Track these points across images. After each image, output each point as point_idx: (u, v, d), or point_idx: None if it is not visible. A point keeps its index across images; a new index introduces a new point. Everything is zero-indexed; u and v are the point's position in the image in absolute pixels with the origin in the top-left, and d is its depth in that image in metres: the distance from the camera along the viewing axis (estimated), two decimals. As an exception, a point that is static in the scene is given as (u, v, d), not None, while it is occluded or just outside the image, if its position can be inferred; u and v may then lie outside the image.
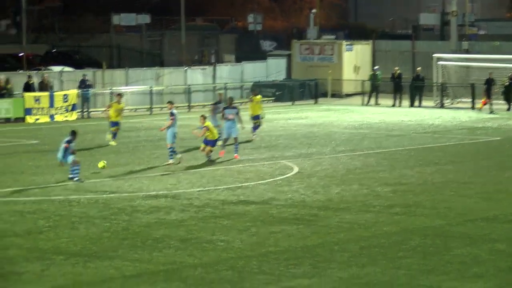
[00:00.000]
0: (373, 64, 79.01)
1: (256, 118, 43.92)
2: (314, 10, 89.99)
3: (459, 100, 71.65)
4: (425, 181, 33.26)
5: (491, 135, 51.59)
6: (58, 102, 59.65)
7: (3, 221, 24.63)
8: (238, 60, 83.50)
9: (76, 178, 30.75)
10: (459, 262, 21.09)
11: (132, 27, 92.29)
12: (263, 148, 38.85)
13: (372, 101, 70.45)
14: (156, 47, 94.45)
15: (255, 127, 45.07)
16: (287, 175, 35.14)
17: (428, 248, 22.29)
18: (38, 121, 57.45)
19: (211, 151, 34.90)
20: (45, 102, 58.86)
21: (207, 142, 34.77)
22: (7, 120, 56.62)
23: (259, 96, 44.89)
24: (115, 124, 41.06)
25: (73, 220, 25.76)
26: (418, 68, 73.23)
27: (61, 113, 59.64)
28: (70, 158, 30.86)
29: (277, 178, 34.06)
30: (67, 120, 58.52)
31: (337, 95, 77.10)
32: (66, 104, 60.33)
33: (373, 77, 71.90)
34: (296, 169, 36.56)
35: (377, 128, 54.72)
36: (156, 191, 31.21)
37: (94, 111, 63.24)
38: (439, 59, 73.90)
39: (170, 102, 38.98)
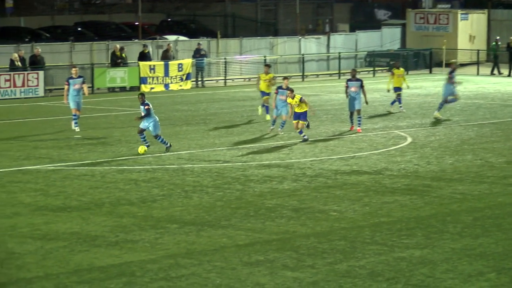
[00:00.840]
0: (489, 34, 78.06)
1: (397, 90, 43.28)
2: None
3: None
4: (542, 151, 32.75)
5: None
6: (173, 71, 60.17)
7: (118, 189, 25.14)
8: (352, 29, 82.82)
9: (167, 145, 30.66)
10: None
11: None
12: (377, 117, 38.66)
13: (496, 71, 69.67)
14: (271, 16, 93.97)
15: (396, 100, 44.26)
16: (400, 145, 34.97)
17: (544, 219, 22.00)
18: (153, 90, 57.75)
19: (305, 125, 33.94)
20: (160, 71, 59.38)
21: (298, 117, 33.54)
22: (122, 89, 57.26)
23: (401, 69, 44.25)
24: (266, 94, 39.76)
25: (186, 189, 26.15)
26: (535, 38, 72.83)
27: (175, 82, 60.21)
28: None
29: (390, 148, 33.92)
30: (182, 89, 59.16)
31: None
32: (181, 73, 60.71)
33: (496, 47, 70.97)
34: (409, 139, 36.28)
35: (492, 98, 54.22)
36: (269, 161, 31.35)
37: (208, 80, 63.85)
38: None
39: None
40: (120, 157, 31.09)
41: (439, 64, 73.74)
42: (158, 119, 30.37)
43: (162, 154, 30.81)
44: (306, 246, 18.98)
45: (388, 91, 45.93)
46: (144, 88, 57.87)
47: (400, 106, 43.66)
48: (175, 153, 32.71)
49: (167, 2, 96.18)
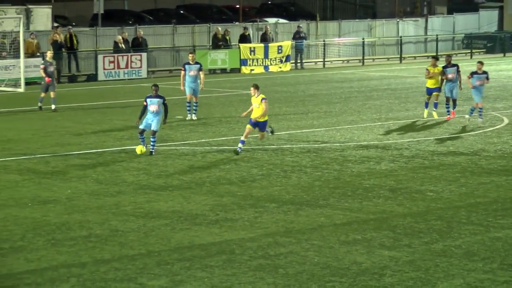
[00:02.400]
0: None
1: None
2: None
3: None
4: None
5: None
6: (273, 53, 60.32)
7: (219, 169, 25.60)
8: (450, 12, 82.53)
9: None
10: None
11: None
12: (473, 99, 37.93)
13: None
14: None
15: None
16: (497, 127, 34.72)
17: None
18: (253, 72, 58.27)
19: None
20: (260, 53, 59.71)
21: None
22: (223, 71, 57.91)
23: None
24: (435, 90, 34.14)
25: (285, 169, 26.35)
26: None
27: (275, 64, 60.38)
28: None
29: (487, 130, 33.71)
30: (281, 71, 59.57)
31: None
32: (280, 55, 60.88)
33: None
34: (506, 121, 36.00)
35: None
36: (366, 142, 31.34)
37: (307, 62, 64.03)
38: None
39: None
40: (220, 137, 31.52)
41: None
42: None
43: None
44: (403, 225, 19.10)
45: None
46: (245, 70, 58.71)
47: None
48: (275, 133, 32.34)
49: None
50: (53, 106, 39.01)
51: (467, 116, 34.58)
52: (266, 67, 58.41)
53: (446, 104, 34.17)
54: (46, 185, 24.10)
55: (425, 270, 16.06)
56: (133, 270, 15.94)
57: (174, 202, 21.78)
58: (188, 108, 34.40)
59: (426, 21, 74.96)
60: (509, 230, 19.35)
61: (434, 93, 33.29)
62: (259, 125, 26.70)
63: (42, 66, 40.25)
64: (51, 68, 40.23)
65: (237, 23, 66.76)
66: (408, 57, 68.49)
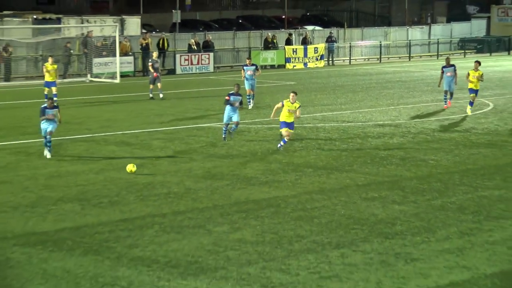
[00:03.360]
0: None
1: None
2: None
3: None
4: None
5: None
6: (310, 53, 60.30)
7: (268, 142, 25.44)
8: (448, 21, 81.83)
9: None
10: None
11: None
12: (465, 89, 37.32)
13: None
14: (385, 11, 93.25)
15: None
16: (484, 110, 34.30)
17: None
18: (295, 68, 58.34)
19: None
20: (300, 53, 59.71)
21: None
22: (272, 67, 57.81)
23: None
24: (474, 92, 31.25)
25: (319, 142, 26.25)
26: None
27: (312, 62, 60.32)
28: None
29: (476, 112, 33.21)
30: (316, 67, 59.48)
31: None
32: (316, 54, 60.84)
33: None
34: (491, 105, 35.69)
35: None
36: (382, 121, 31.02)
37: (337, 60, 63.98)
38: None
39: None
40: (269, 118, 30.18)
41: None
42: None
43: (301, 116, 29.01)
44: (410, 186, 19.05)
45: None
46: (288, 66, 58.70)
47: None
48: (311, 115, 32.48)
49: (306, 0, 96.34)
50: (161, 95, 38.57)
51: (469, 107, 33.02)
52: (305, 64, 58.34)
53: (444, 96, 33.54)
54: (136, 154, 24.23)
55: (427, 220, 16.15)
56: (202, 219, 16.15)
57: (234, 167, 21.76)
58: (248, 99, 33.82)
59: (430, 28, 75.00)
60: (493, 190, 19.23)
61: (471, 95, 30.48)
62: (289, 126, 23.21)
63: (150, 64, 39.73)
64: (157, 65, 39.77)
65: (283, 30, 66.66)
66: (416, 56, 68.33)
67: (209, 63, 54.06)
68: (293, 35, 62.26)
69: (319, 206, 17.32)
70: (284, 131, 23.07)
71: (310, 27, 70.12)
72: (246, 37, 61.63)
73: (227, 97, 25.19)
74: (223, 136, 24.73)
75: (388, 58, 67.03)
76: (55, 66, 38.57)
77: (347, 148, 25.28)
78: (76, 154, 24.37)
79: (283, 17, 74.76)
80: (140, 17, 62.48)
